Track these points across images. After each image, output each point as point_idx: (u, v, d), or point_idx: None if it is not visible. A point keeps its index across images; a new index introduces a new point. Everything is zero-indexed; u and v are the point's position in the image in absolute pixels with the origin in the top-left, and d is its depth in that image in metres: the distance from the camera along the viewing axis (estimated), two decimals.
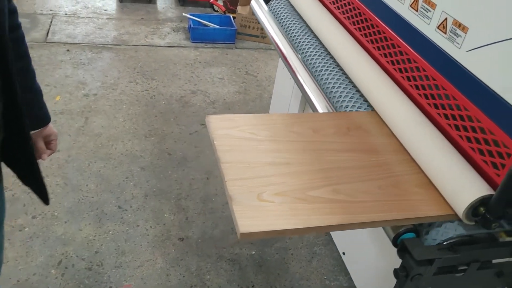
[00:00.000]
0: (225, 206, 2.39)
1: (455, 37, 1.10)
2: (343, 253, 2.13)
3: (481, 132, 1.04)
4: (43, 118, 1.24)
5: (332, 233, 2.27)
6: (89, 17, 4.10)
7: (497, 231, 1.06)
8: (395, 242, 1.06)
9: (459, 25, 1.09)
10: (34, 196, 2.26)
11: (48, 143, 1.28)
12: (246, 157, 1.13)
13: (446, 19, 1.14)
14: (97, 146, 2.66)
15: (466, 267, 1.05)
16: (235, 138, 1.19)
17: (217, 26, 4.05)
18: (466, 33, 1.07)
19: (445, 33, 1.14)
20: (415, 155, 1.18)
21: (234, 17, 4.17)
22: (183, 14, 4.20)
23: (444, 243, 1.03)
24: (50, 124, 1.26)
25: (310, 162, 1.15)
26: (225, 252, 2.15)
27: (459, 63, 1.09)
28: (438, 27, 1.17)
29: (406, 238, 1.04)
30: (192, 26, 3.92)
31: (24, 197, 2.26)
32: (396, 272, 1.02)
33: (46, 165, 2.46)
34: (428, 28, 1.21)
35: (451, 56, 1.12)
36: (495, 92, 0.98)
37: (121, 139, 2.73)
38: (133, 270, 2.00)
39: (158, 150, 2.70)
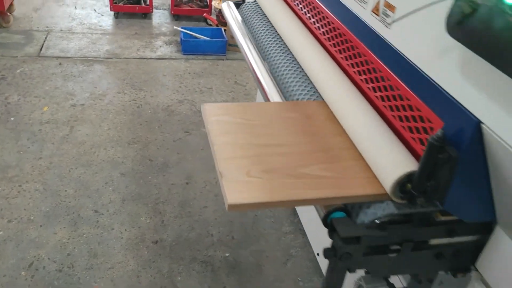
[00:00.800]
0: (203, 210, 2.39)
1: (385, 18, 1.11)
2: (317, 254, 2.10)
3: (410, 109, 1.04)
4: None
5: (308, 235, 2.25)
6: (83, 33, 4.19)
7: (433, 211, 1.05)
8: (325, 222, 1.04)
9: (389, 6, 1.09)
10: (12, 201, 2.30)
11: None
12: (238, 139, 1.18)
13: (378, 1, 1.14)
14: (80, 153, 2.69)
15: (399, 247, 1.03)
16: (229, 123, 1.24)
17: (208, 38, 4.10)
18: (394, 13, 1.07)
19: (378, 15, 1.14)
20: (353, 137, 1.17)
21: (225, 30, 4.23)
22: (174, 27, 4.27)
23: (377, 221, 1.01)
24: None
25: (300, 143, 1.18)
26: (199, 254, 2.14)
27: (388, 42, 1.09)
28: (372, 11, 1.17)
29: (336, 217, 1.03)
30: (182, 38, 3.98)
31: (2, 202, 2.29)
32: (325, 252, 1.01)
33: (27, 171, 2.50)
34: (365, 13, 1.21)
35: (383, 37, 1.12)
36: (417, 66, 0.98)
37: (104, 147, 2.76)
38: (104, 272, 2.00)
39: (140, 156, 2.72)
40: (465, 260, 1.10)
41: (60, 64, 3.63)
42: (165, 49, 4.07)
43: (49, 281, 1.93)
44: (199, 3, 4.71)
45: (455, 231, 1.04)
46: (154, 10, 4.80)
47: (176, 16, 4.70)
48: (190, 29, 4.15)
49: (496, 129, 0.79)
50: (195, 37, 4.09)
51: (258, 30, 1.87)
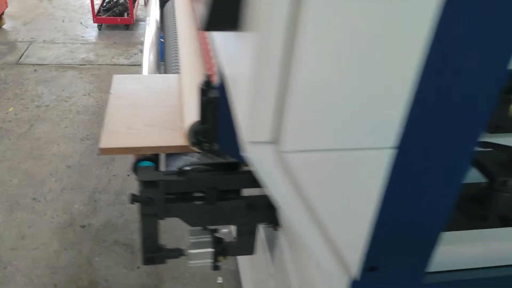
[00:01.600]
0: None
1: None
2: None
3: None
4: None
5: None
6: (64, 43, 4.41)
7: (239, 162, 1.12)
8: (134, 169, 1.13)
9: None
10: None
11: None
12: (133, 101, 1.29)
13: None
14: (33, 148, 2.84)
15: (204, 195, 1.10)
16: (130, 90, 1.36)
17: None
18: None
19: None
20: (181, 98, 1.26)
21: None
22: None
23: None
24: None
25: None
26: (122, 238, 2.23)
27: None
28: None
29: (142, 165, 1.11)
30: None
31: None
32: (130, 197, 1.09)
33: None
34: None
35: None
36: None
37: (57, 142, 2.91)
38: (27, 252, 2.11)
39: (89, 151, 2.85)
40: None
41: (35, 70, 3.83)
42: (139, 56, 4.24)
43: None
44: None
45: (256, 181, 1.11)
46: (138, 22, 5.01)
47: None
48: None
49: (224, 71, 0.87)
50: None
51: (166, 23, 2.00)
